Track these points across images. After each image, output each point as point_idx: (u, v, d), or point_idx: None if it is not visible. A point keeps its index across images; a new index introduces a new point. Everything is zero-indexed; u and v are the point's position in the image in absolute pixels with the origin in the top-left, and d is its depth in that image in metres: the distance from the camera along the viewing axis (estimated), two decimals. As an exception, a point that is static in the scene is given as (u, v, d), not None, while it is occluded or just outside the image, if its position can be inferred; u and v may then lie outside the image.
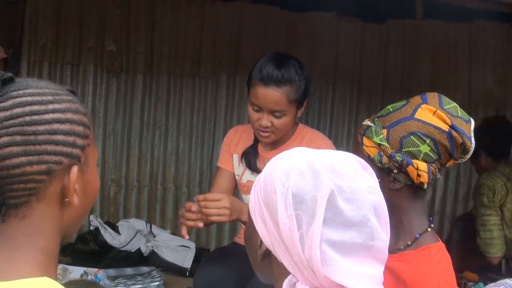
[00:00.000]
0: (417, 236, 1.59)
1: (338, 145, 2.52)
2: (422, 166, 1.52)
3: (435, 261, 1.53)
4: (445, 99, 1.59)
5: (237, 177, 2.54)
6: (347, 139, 4.13)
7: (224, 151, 2.59)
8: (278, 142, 2.42)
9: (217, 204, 2.12)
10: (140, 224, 4.01)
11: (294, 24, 4.11)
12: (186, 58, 4.18)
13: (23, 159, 0.91)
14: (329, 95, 4.16)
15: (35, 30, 4.18)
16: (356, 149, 1.63)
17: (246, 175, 2.49)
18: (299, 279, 1.03)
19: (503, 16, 3.70)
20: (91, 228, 3.89)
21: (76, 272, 3.33)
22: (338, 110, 4.15)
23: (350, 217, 0.99)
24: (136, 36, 4.18)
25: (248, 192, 2.46)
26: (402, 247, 1.59)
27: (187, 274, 3.63)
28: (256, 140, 2.48)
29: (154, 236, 3.96)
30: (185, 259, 3.71)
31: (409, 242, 1.59)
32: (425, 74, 4.06)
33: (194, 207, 2.13)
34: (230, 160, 2.55)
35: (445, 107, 1.55)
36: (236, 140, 2.56)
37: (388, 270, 1.50)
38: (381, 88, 4.11)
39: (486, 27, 4.00)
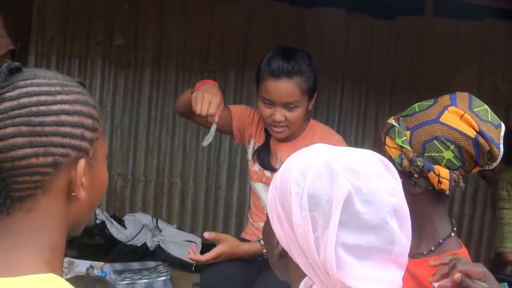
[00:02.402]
0: (441, 241, 1.55)
1: (346, 142, 2.50)
2: (444, 172, 1.46)
3: None
4: (476, 100, 1.52)
5: (249, 162, 2.53)
6: (355, 136, 4.11)
7: (243, 112, 2.55)
8: (290, 136, 2.41)
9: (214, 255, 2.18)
10: (146, 219, 4.01)
11: (303, 20, 4.09)
12: (195, 53, 4.17)
13: (28, 150, 0.88)
14: (337, 92, 4.14)
15: (43, 23, 4.17)
16: (378, 147, 1.56)
17: (257, 165, 2.49)
18: (315, 282, 1.00)
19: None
20: (97, 222, 3.89)
21: (82, 265, 3.32)
22: (347, 107, 4.14)
23: (367, 220, 0.96)
24: (145, 30, 4.17)
25: (258, 179, 2.45)
26: (425, 252, 1.55)
27: (193, 269, 3.62)
28: (268, 137, 2.47)
29: (160, 231, 3.96)
30: (191, 254, 3.70)
31: (433, 248, 1.55)
32: (434, 71, 4.04)
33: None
34: (239, 119, 2.54)
35: (474, 110, 1.48)
36: (255, 123, 2.54)
37: (410, 275, 1.48)
38: (390, 85, 4.09)
39: (496, 25, 3.97)
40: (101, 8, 4.15)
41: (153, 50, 4.18)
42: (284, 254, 1.08)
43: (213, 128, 2.22)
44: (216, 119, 2.16)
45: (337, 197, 0.95)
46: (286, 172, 1.06)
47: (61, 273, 0.95)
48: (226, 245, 2.17)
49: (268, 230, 1.14)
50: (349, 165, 1.00)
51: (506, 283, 3.06)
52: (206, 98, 2.14)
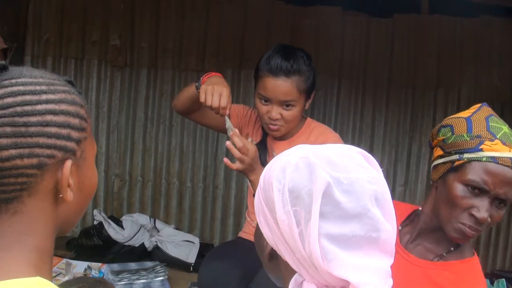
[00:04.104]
0: (461, 244, 1.59)
1: (343, 140, 2.50)
2: None
3: (479, 274, 1.54)
4: None
5: None
6: (352, 133, 4.11)
7: (240, 111, 2.56)
8: (286, 134, 2.42)
9: (244, 151, 2.09)
10: (144, 219, 4.01)
11: (299, 19, 4.09)
12: (191, 52, 4.16)
13: (13, 151, 0.86)
14: (334, 90, 4.13)
15: (38, 24, 4.17)
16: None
17: None
18: (305, 278, 1.00)
19: (510, 11, 3.67)
20: (95, 223, 3.88)
21: (79, 266, 3.33)
22: (344, 105, 4.13)
23: (349, 209, 0.96)
24: (141, 30, 4.16)
25: None
26: (444, 254, 1.58)
27: (191, 269, 3.62)
28: (264, 135, 2.47)
29: (158, 231, 3.95)
30: (189, 254, 3.70)
31: (452, 248, 1.58)
32: (431, 69, 4.03)
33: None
34: (237, 118, 2.54)
35: None
36: (252, 122, 2.55)
37: (428, 278, 1.51)
38: (387, 83, 4.09)
39: (493, 22, 3.96)
40: (97, 8, 4.14)
41: (149, 50, 4.17)
42: (274, 255, 1.08)
43: (228, 121, 2.22)
44: (227, 111, 2.17)
45: (317, 189, 0.96)
46: (268, 172, 1.07)
47: (50, 277, 0.93)
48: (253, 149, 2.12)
49: (258, 233, 1.14)
50: (327, 157, 1.00)
51: (504, 279, 3.07)
52: (217, 91, 2.14)
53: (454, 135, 1.53)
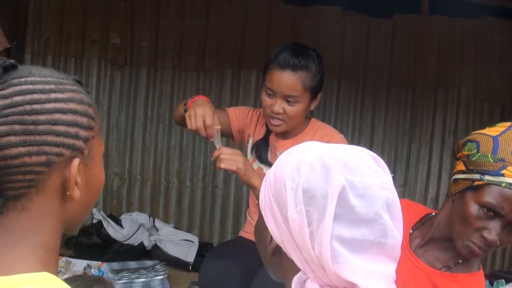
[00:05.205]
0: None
1: (347, 141, 2.51)
2: None
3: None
4: None
5: (248, 161, 2.55)
6: (352, 133, 4.11)
7: (241, 113, 2.59)
8: (290, 134, 2.43)
9: (232, 152, 2.17)
10: (143, 218, 4.01)
11: (299, 19, 4.09)
12: (191, 52, 4.16)
13: (21, 149, 0.87)
14: (334, 90, 4.14)
15: (38, 22, 4.17)
16: None
17: (257, 162, 2.50)
18: (309, 276, 1.00)
19: (510, 12, 3.68)
20: (94, 221, 3.88)
21: (79, 265, 3.32)
22: (343, 105, 4.14)
23: (362, 213, 0.96)
24: (141, 29, 4.16)
25: None
26: (452, 265, 1.59)
27: (190, 269, 3.63)
28: (268, 132, 2.48)
29: (157, 230, 3.95)
30: (188, 253, 3.70)
31: (460, 261, 1.60)
32: (431, 69, 4.04)
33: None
34: (238, 121, 2.57)
35: None
36: (254, 122, 2.56)
37: (434, 286, 1.52)
38: (387, 83, 4.09)
39: (493, 23, 3.97)
40: (97, 7, 4.14)
41: (149, 49, 4.17)
42: (277, 251, 1.08)
43: (217, 138, 2.25)
44: (215, 128, 2.22)
45: (332, 191, 0.95)
46: (280, 169, 1.06)
47: (56, 273, 0.94)
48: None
49: (260, 228, 1.14)
50: (343, 160, 1.00)
51: (503, 280, 3.06)
52: (199, 113, 2.21)
53: (479, 153, 1.52)
